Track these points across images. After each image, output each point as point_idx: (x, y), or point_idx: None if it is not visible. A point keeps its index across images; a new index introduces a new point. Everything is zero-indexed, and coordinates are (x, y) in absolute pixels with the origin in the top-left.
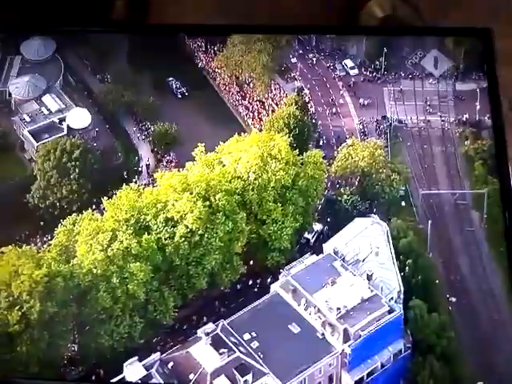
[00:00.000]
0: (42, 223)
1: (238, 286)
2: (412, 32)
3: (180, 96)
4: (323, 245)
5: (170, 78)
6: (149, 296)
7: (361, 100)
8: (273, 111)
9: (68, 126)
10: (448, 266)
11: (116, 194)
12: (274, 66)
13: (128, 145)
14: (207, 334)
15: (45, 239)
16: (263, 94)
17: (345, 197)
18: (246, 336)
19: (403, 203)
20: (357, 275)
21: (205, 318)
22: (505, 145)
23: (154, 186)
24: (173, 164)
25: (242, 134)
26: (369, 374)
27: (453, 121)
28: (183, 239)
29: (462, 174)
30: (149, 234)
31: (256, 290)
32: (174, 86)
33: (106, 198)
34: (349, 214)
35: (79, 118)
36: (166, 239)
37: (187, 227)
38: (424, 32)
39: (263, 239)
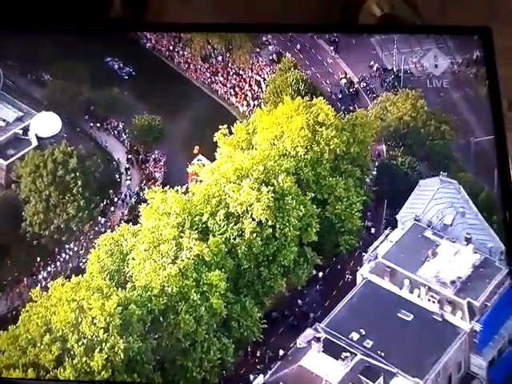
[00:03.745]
0: (48, 252)
1: (317, 280)
2: (411, 30)
3: (127, 77)
4: (396, 216)
5: (109, 59)
6: (229, 310)
7: (351, 55)
8: (257, 83)
9: (36, 136)
10: None
11: (134, 200)
12: None
13: (99, 147)
14: (317, 340)
15: (50, 269)
16: (246, 64)
17: (400, 159)
18: (355, 336)
19: (458, 155)
20: (456, 241)
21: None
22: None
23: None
24: (162, 162)
25: (226, 113)
26: (499, 353)
27: (462, 61)
28: (254, 235)
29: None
30: (213, 235)
31: (338, 280)
32: (116, 66)
33: (144, 204)
34: (410, 178)
35: (46, 123)
36: (234, 239)
37: (254, 220)
38: (423, 30)
39: (329, 222)
